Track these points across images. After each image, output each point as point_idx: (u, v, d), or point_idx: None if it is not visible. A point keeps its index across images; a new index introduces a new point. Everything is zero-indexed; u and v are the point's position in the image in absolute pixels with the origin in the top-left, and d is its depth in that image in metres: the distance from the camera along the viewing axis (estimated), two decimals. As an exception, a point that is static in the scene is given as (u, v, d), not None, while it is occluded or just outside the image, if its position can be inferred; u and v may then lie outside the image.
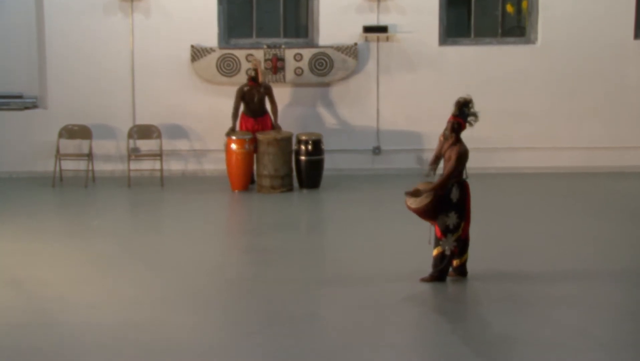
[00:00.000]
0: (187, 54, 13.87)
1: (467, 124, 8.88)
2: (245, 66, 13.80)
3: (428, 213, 8.86)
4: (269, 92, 13.39)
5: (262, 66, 13.58)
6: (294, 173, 13.28)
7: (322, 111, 14.15)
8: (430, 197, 8.79)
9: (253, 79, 13.26)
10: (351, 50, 13.92)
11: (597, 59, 14.22)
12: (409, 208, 8.91)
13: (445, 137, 8.91)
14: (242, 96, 13.30)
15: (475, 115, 8.86)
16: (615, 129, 14.33)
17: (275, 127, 13.36)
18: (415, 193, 8.87)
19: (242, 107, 13.38)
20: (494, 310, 8.41)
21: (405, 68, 14.12)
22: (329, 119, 14.14)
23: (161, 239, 11.02)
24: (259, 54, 13.79)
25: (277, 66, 13.72)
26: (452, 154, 8.79)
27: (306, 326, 7.97)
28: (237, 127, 13.31)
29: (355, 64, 13.98)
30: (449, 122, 8.88)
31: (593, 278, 9.26)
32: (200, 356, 7.32)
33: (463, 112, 8.86)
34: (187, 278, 9.27)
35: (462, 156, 8.79)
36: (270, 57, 13.76)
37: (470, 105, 8.86)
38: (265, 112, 13.43)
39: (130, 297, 8.69)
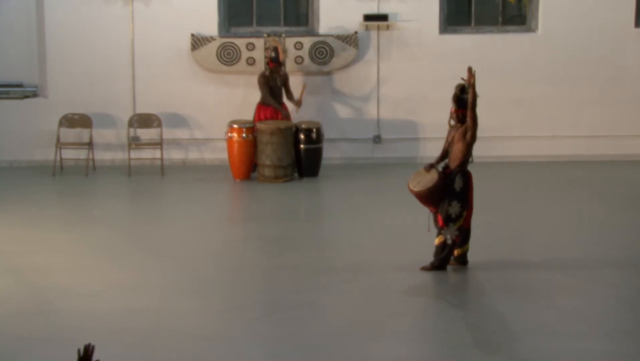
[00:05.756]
0: (187, 42, 13.86)
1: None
2: (246, 54, 13.79)
3: (429, 197, 8.85)
4: (287, 79, 13.39)
5: (282, 43, 13.58)
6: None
7: (322, 100, 14.14)
8: (434, 181, 8.79)
9: (273, 60, 13.24)
10: (351, 39, 13.90)
11: (598, 48, 14.21)
12: (411, 191, 8.90)
13: (452, 125, 8.94)
14: (267, 82, 13.27)
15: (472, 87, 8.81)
16: (616, 118, 14.33)
17: (297, 103, 13.33)
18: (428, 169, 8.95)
19: (259, 97, 13.38)
20: (495, 298, 8.41)
21: (405, 57, 14.11)
22: (329, 108, 14.13)
23: (162, 228, 11.03)
24: (259, 43, 13.78)
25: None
26: (464, 128, 8.78)
27: (307, 314, 7.98)
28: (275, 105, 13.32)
29: (355, 52, 13.97)
30: (452, 113, 8.89)
31: (594, 265, 9.27)
32: (201, 343, 7.33)
33: (462, 101, 8.85)
34: (188, 266, 9.28)
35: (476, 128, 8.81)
36: (270, 45, 13.73)
37: (465, 89, 8.83)
38: (282, 101, 13.42)
39: (131, 285, 8.70)
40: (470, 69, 8.82)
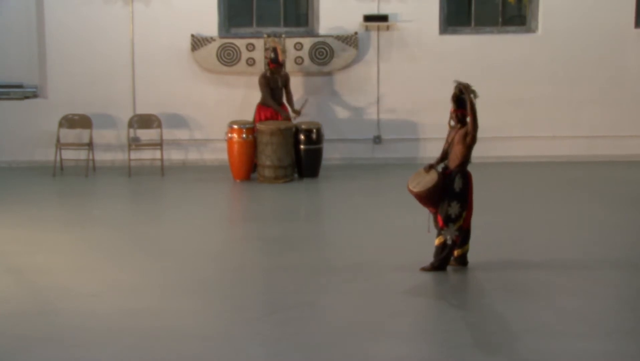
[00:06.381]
0: (187, 43, 13.86)
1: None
2: (246, 55, 13.80)
3: (429, 198, 8.84)
4: (287, 80, 13.40)
5: (281, 44, 13.58)
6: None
7: (322, 100, 14.14)
8: (434, 181, 8.79)
9: (273, 61, 13.24)
10: (351, 40, 13.91)
11: (598, 48, 14.22)
12: (411, 191, 8.89)
13: (452, 126, 8.92)
14: (268, 82, 13.28)
15: (473, 93, 8.77)
16: (616, 118, 14.34)
17: (296, 112, 13.34)
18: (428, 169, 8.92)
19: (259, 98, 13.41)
20: (495, 298, 8.41)
21: (405, 57, 14.11)
22: (329, 108, 14.14)
23: (162, 229, 11.02)
24: (259, 43, 13.78)
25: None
26: (465, 130, 8.76)
27: (307, 314, 7.97)
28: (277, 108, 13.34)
29: (355, 53, 13.97)
30: (452, 113, 8.88)
31: (594, 266, 9.26)
32: (201, 343, 7.33)
33: (462, 101, 8.83)
34: (188, 267, 9.28)
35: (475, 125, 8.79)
36: (268, 46, 13.73)
37: (465, 90, 8.80)
38: (282, 102, 13.43)
39: (131, 285, 8.69)
40: (466, 87, 8.75)
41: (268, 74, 13.32)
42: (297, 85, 13.93)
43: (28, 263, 9.35)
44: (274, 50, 13.38)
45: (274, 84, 13.31)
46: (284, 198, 12.34)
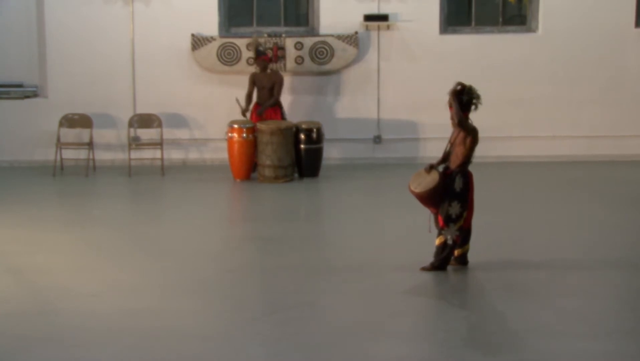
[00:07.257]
0: (187, 42, 13.87)
1: (472, 107, 8.78)
2: (246, 54, 13.80)
3: (430, 198, 8.84)
4: (278, 81, 13.36)
5: (257, 42, 13.58)
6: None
7: (323, 100, 14.15)
8: (435, 182, 8.78)
9: (259, 53, 13.31)
10: (352, 39, 13.91)
11: (598, 48, 14.23)
12: (412, 192, 8.89)
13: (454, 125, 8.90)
14: (253, 80, 13.34)
15: (478, 97, 8.76)
16: (616, 118, 14.34)
17: (262, 108, 13.35)
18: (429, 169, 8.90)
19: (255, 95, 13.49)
20: (495, 298, 8.41)
21: (406, 57, 14.11)
22: (329, 108, 14.14)
23: (162, 228, 11.02)
24: (259, 43, 13.81)
25: (277, 54, 13.72)
26: (465, 134, 8.76)
27: (307, 314, 7.97)
28: (249, 109, 13.38)
29: (355, 52, 13.97)
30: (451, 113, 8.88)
31: (594, 266, 9.26)
32: (201, 343, 7.33)
33: (461, 102, 8.80)
34: (188, 266, 9.28)
35: (476, 133, 8.78)
36: (270, 45, 13.75)
37: (465, 93, 8.75)
38: (275, 103, 13.43)
39: (131, 285, 8.69)
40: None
41: (258, 71, 13.39)
42: (297, 85, 13.94)
43: (28, 263, 9.35)
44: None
45: (259, 83, 13.36)
46: (284, 198, 12.34)
